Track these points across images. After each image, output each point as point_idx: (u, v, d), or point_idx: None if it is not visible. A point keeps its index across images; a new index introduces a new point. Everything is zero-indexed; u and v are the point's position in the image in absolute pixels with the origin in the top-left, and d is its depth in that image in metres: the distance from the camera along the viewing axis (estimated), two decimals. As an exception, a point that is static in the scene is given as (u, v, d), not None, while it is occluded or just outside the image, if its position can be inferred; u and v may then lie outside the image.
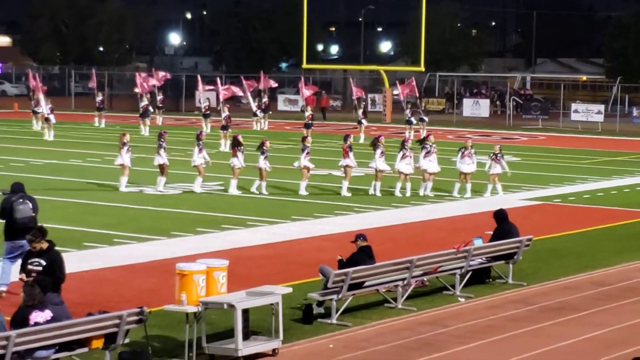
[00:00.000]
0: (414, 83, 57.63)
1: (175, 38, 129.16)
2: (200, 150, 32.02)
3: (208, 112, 53.58)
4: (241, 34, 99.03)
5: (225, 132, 45.63)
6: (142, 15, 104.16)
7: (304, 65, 70.12)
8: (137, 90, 57.71)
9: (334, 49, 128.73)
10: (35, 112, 54.06)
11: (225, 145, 44.08)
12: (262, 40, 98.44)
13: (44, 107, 51.03)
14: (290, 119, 66.17)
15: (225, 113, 47.09)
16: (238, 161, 31.74)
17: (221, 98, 51.47)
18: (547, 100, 76.01)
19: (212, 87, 56.98)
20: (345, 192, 31.79)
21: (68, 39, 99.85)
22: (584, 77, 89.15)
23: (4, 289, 17.82)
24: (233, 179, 31.84)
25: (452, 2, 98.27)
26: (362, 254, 18.02)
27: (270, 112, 60.95)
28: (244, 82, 57.60)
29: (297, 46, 72.90)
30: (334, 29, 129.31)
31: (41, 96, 52.37)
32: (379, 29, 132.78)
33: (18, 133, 53.05)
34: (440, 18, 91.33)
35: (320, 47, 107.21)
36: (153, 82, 57.58)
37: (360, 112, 53.09)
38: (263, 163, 31.83)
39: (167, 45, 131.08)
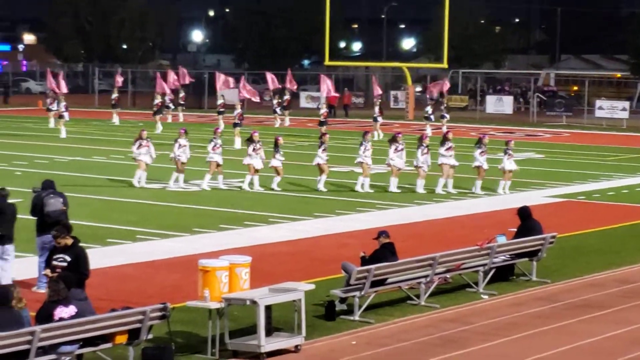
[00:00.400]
0: (447, 84, 57.34)
1: (197, 35, 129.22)
2: (215, 147, 32.09)
3: (222, 109, 53.59)
4: (263, 32, 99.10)
5: (237, 129, 45.64)
6: (164, 13, 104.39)
7: (327, 62, 70.08)
8: (165, 88, 58.11)
9: (357, 46, 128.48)
10: (49, 110, 54.37)
11: (238, 143, 44.04)
12: (284, 38, 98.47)
13: (59, 105, 51.40)
14: (313, 116, 66.03)
15: (237, 110, 47.23)
16: (250, 159, 31.79)
17: (238, 97, 51.67)
18: (571, 97, 75.70)
19: (233, 86, 56.92)
20: (358, 188, 31.84)
21: (92, 37, 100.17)
22: (619, 74, 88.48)
23: (43, 290, 17.79)
24: (248, 175, 31.94)
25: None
26: (385, 251, 18.02)
27: (291, 109, 60.91)
28: (269, 76, 57.68)
29: (320, 43, 72.83)
30: (356, 26, 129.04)
31: (62, 94, 52.73)
32: (402, 26, 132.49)
33: (43, 130, 53.21)
34: (463, 15, 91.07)
35: (342, 44, 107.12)
36: (169, 83, 58.01)
37: (376, 109, 52.98)
38: (278, 160, 31.87)
39: (189, 42, 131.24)
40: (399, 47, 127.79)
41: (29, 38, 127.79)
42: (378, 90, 56.40)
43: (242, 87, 51.34)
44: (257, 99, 53.38)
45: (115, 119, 58.55)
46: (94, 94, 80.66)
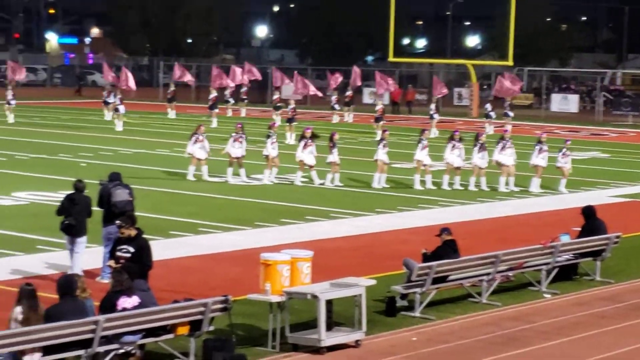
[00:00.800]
0: (518, 84, 56.97)
1: (262, 30, 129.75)
2: (273, 142, 32.24)
3: (279, 104, 53.71)
4: (327, 27, 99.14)
5: (290, 124, 45.73)
6: (229, 7, 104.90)
7: (390, 59, 69.94)
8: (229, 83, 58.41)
9: (421, 43, 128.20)
10: (106, 103, 54.88)
11: (291, 138, 44.10)
12: (348, 33, 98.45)
13: (115, 98, 51.90)
14: (375, 112, 65.99)
15: (291, 106, 47.37)
16: (301, 154, 31.92)
17: (293, 93, 51.89)
18: (638, 96, 74.84)
19: (288, 81, 57.03)
20: (417, 186, 31.78)
21: (157, 30, 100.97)
22: None
23: (106, 280, 17.94)
24: (299, 170, 32.10)
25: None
26: (447, 248, 17.96)
27: (354, 105, 60.90)
28: (330, 74, 57.61)
29: (384, 39, 72.69)
30: (421, 22, 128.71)
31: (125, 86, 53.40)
32: (467, 23, 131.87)
33: (109, 122, 53.64)
34: (529, 12, 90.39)
35: (406, 41, 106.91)
36: (227, 80, 58.41)
37: (432, 106, 52.74)
38: (333, 156, 31.92)
39: (253, 37, 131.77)
40: (463, 44, 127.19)
41: (95, 31, 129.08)
42: (438, 90, 56.23)
43: (298, 82, 51.68)
44: (314, 93, 53.61)
45: (171, 113, 58.78)
46: (159, 87, 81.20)
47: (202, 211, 26.67)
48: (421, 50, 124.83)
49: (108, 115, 54.11)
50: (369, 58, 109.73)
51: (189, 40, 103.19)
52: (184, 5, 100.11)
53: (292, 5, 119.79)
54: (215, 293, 15.33)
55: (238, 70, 61.89)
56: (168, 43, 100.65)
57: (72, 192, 18.57)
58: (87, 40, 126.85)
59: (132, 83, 57.15)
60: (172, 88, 60.31)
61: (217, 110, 54.61)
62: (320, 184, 31.72)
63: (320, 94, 57.97)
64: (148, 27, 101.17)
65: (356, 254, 21.93)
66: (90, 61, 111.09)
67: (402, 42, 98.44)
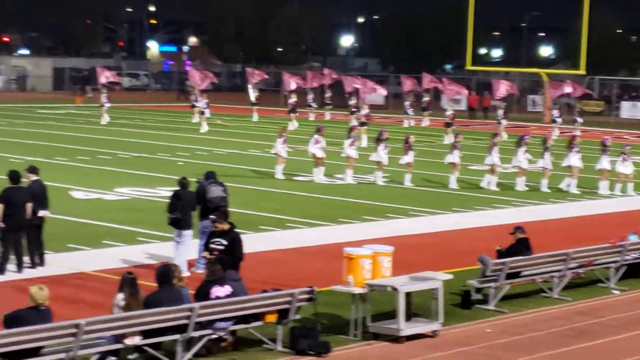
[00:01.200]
0: (566, 88, 56.27)
1: (347, 40, 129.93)
2: (352, 143, 32.32)
3: (355, 109, 53.64)
4: (408, 37, 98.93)
5: (364, 128, 45.64)
6: (317, 19, 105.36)
7: (468, 67, 69.52)
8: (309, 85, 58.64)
9: (496, 52, 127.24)
10: (194, 106, 55.29)
11: (364, 141, 43.92)
12: (428, 43, 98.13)
13: (201, 102, 52.36)
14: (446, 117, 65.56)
15: (365, 110, 47.32)
16: (377, 155, 31.98)
17: (362, 96, 51.88)
18: None
19: (357, 86, 56.75)
20: (486, 185, 31.54)
21: (250, 40, 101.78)
22: None
23: (201, 271, 18.04)
24: (378, 171, 32.04)
25: (614, 9, 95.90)
26: (520, 246, 17.83)
27: (431, 111, 60.59)
28: (404, 79, 57.41)
29: (462, 49, 72.26)
30: (497, 33, 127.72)
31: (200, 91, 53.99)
32: (541, 34, 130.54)
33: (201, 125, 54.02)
34: (601, 24, 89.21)
35: (483, 50, 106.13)
36: (296, 83, 58.62)
37: (500, 112, 52.17)
38: (409, 157, 31.89)
39: (339, 46, 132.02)
40: (537, 54, 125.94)
41: (193, 40, 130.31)
42: (501, 90, 55.67)
43: (368, 88, 51.70)
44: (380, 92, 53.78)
45: (255, 117, 59.11)
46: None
47: (289, 208, 26.75)
48: (497, 59, 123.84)
49: (195, 117, 54.50)
50: (448, 66, 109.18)
51: (279, 49, 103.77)
52: (276, 17, 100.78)
53: (376, 17, 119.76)
54: (301, 284, 15.36)
55: (309, 75, 62.48)
56: (260, 51, 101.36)
57: (178, 188, 18.68)
58: (185, 48, 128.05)
59: (200, 82, 57.46)
60: (255, 94, 60.75)
61: (296, 114, 54.85)
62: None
63: (384, 92, 57.86)
64: (242, 37, 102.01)
65: (434, 250, 21.82)
66: (188, 68, 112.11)
67: (479, 51, 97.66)
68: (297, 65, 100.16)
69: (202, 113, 51.45)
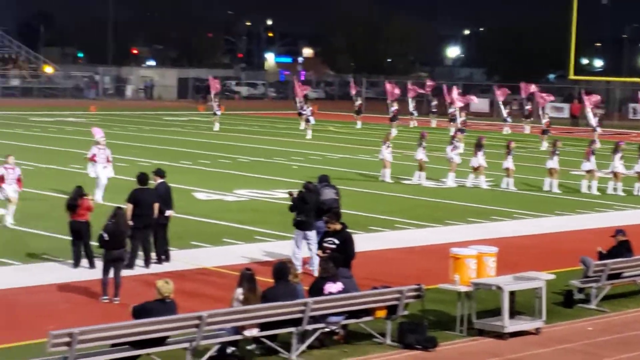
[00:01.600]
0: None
1: (453, 51, 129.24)
2: (454, 148, 32.27)
3: (454, 117, 53.24)
4: (513, 47, 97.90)
5: (461, 134, 45.23)
6: (425, 31, 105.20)
7: (571, 77, 68.32)
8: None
9: (598, 63, 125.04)
10: (300, 114, 55.48)
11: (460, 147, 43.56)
12: (532, 53, 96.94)
13: (306, 110, 52.55)
14: (556, 125, 64.61)
15: (461, 118, 47.25)
16: (477, 160, 31.82)
17: (456, 104, 51.57)
18: None
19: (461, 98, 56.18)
20: (586, 190, 30.98)
21: (361, 51, 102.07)
22: None
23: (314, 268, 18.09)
24: (480, 175, 31.87)
25: None
26: (621, 248, 17.47)
27: (532, 118, 59.71)
28: (497, 89, 56.85)
29: (565, 59, 71.11)
30: (599, 44, 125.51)
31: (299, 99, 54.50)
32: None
33: (319, 131, 54.28)
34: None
35: (585, 61, 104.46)
36: (397, 90, 58.42)
37: (595, 120, 51.07)
38: (508, 162, 31.58)
39: (445, 57, 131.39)
40: (638, 64, 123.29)
41: (307, 52, 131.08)
42: (590, 101, 54.57)
43: (460, 99, 51.44)
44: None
45: (358, 124, 59.18)
46: (362, 101, 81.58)
47: (398, 209, 26.67)
48: (599, 69, 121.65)
49: (302, 124, 54.69)
50: (551, 75, 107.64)
51: (389, 60, 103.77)
52: (385, 30, 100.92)
53: (481, 29, 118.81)
54: (409, 282, 15.30)
55: (410, 85, 62.52)
56: (370, 62, 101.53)
57: (303, 191, 18.68)
58: (300, 59, 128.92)
59: (300, 92, 57.76)
60: (358, 102, 60.89)
61: (397, 122, 54.74)
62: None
63: (475, 101, 57.55)
64: (353, 48, 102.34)
65: (537, 251, 21.51)
66: (302, 77, 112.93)
67: (581, 61, 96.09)
68: (405, 75, 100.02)
69: (307, 121, 51.80)
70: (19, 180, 22.59)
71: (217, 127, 53.29)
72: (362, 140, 49.62)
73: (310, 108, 52.57)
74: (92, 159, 25.94)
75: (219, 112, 54.36)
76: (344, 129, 57.29)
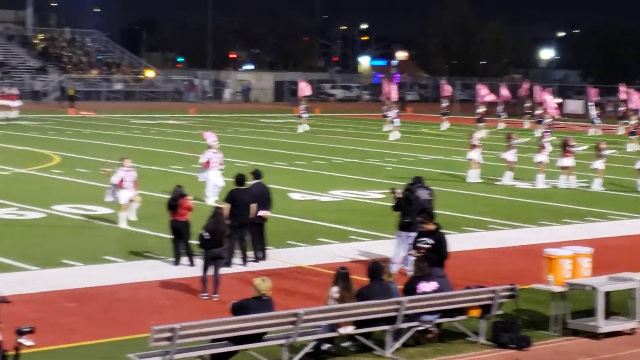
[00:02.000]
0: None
1: (547, 53, 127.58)
2: (542, 149, 32.04)
3: (541, 119, 52.53)
4: (607, 49, 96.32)
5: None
6: (520, 33, 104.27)
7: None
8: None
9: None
10: (385, 116, 55.26)
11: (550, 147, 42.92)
12: (626, 55, 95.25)
13: (392, 113, 52.31)
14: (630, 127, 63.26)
15: (548, 119, 47.05)
16: (569, 161, 31.48)
17: (550, 109, 50.91)
18: None
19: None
20: None
21: (455, 54, 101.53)
22: None
23: (408, 267, 17.94)
24: (569, 175, 31.43)
25: None
26: None
27: (627, 121, 58.60)
28: (589, 90, 55.86)
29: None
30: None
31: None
32: None
33: (412, 133, 54.18)
34: None
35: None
36: (488, 95, 57.82)
37: None
38: (598, 163, 31.19)
39: (540, 59, 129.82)
40: None
41: (401, 55, 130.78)
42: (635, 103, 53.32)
43: (551, 105, 50.81)
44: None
45: (443, 125, 58.74)
46: (455, 103, 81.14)
47: (491, 210, 26.43)
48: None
49: (386, 126, 54.45)
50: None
51: (482, 62, 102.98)
52: (480, 33, 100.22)
53: (576, 31, 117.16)
54: (503, 282, 15.15)
55: (503, 89, 62.01)
56: (464, 64, 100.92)
57: (407, 192, 18.59)
58: (394, 62, 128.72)
59: (394, 94, 57.52)
60: (445, 104, 60.57)
61: (484, 124, 54.28)
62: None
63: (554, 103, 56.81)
64: (447, 51, 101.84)
65: (633, 252, 21.09)
66: (396, 80, 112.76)
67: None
68: (499, 77, 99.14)
69: (392, 122, 51.73)
70: (134, 183, 22.81)
71: (301, 129, 53.48)
72: (454, 142, 49.27)
73: (396, 110, 52.45)
74: (206, 165, 26.00)
75: (304, 115, 54.53)
76: (436, 130, 57.00)
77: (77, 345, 13.43)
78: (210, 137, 26.82)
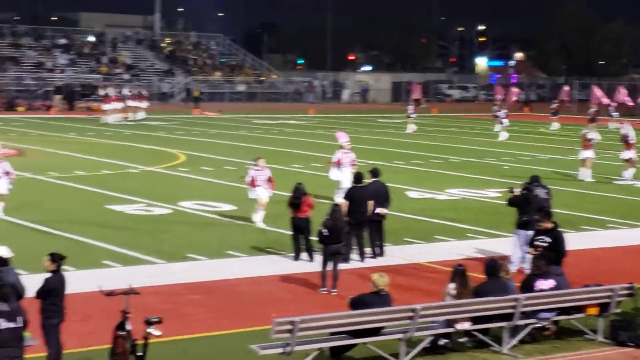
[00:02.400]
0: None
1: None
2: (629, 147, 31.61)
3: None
4: None
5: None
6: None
7: None
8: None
9: None
10: (495, 116, 54.38)
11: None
12: None
13: (501, 113, 51.42)
14: None
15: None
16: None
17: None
18: None
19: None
20: None
21: (573, 54, 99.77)
22: None
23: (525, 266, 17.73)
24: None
25: None
26: None
27: None
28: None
29: None
30: None
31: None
32: None
33: (530, 132, 53.42)
34: None
35: None
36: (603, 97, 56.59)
37: None
38: None
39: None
40: None
41: (519, 55, 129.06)
42: None
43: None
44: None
45: (554, 126, 57.61)
46: (574, 103, 79.68)
47: (609, 209, 25.86)
48: None
49: (496, 127, 53.64)
50: None
51: (601, 62, 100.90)
52: (599, 32, 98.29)
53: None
54: (621, 280, 14.83)
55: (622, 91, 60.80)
56: (582, 64, 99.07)
57: (526, 192, 18.33)
58: (511, 62, 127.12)
59: (511, 97, 56.74)
60: (555, 104, 59.45)
61: (595, 123, 53.00)
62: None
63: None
64: (565, 51, 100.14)
65: None
66: (513, 80, 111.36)
67: None
68: (617, 77, 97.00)
69: (501, 123, 51.03)
70: (269, 180, 22.74)
71: (409, 129, 53.22)
72: (570, 141, 48.37)
73: (505, 111, 51.72)
74: (338, 164, 25.87)
75: (413, 115, 54.33)
76: (555, 130, 56.03)
77: (202, 336, 13.68)
78: (343, 137, 26.87)
